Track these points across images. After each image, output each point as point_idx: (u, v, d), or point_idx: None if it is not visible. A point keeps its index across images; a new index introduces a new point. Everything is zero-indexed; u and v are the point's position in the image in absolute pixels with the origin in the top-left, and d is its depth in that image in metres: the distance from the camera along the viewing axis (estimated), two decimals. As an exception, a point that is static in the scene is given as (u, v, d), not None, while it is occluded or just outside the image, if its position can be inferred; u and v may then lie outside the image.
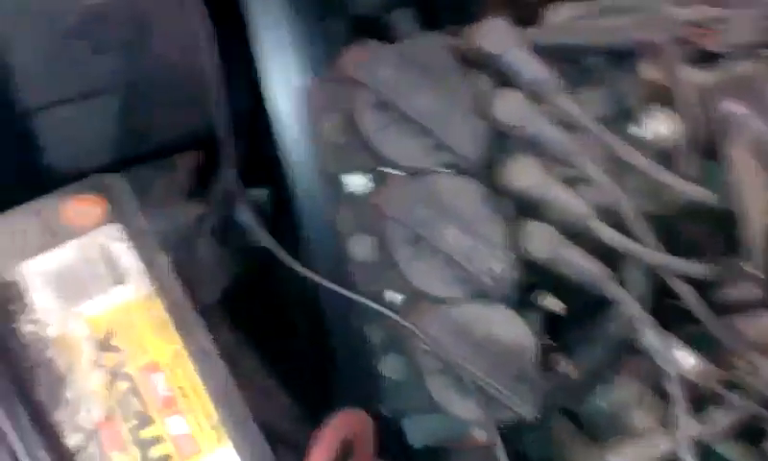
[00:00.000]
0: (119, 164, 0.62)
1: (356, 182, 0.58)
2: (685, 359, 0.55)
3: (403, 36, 0.65)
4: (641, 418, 0.59)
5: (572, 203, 0.55)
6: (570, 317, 0.60)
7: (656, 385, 0.58)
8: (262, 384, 0.67)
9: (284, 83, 0.65)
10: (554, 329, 0.61)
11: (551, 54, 0.58)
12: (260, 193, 0.75)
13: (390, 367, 0.58)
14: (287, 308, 0.76)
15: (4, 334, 0.48)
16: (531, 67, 0.56)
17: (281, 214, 0.71)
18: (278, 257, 0.66)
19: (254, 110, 0.66)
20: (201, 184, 0.71)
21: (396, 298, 0.56)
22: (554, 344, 0.60)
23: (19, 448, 0.44)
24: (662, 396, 0.57)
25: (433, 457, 0.63)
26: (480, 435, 0.61)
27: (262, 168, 0.70)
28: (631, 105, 0.56)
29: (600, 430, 0.61)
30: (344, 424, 0.46)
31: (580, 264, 0.56)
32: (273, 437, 0.53)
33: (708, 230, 0.57)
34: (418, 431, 0.60)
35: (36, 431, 0.45)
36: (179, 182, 0.69)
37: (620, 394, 0.60)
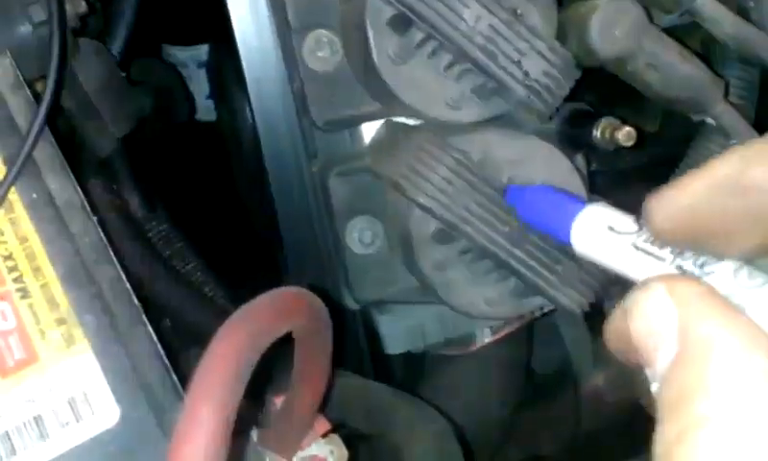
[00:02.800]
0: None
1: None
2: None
3: None
4: None
5: None
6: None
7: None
8: (173, 262, 0.54)
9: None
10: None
11: None
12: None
13: (359, 236, 0.42)
14: (211, 162, 0.64)
15: None
16: None
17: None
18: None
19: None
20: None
21: (375, 131, 0.41)
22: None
23: None
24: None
25: (411, 369, 0.51)
26: (483, 339, 0.48)
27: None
28: None
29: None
30: (271, 310, 0.26)
31: (675, 63, 0.38)
32: (188, 336, 0.43)
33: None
34: (397, 331, 0.46)
35: None
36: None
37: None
